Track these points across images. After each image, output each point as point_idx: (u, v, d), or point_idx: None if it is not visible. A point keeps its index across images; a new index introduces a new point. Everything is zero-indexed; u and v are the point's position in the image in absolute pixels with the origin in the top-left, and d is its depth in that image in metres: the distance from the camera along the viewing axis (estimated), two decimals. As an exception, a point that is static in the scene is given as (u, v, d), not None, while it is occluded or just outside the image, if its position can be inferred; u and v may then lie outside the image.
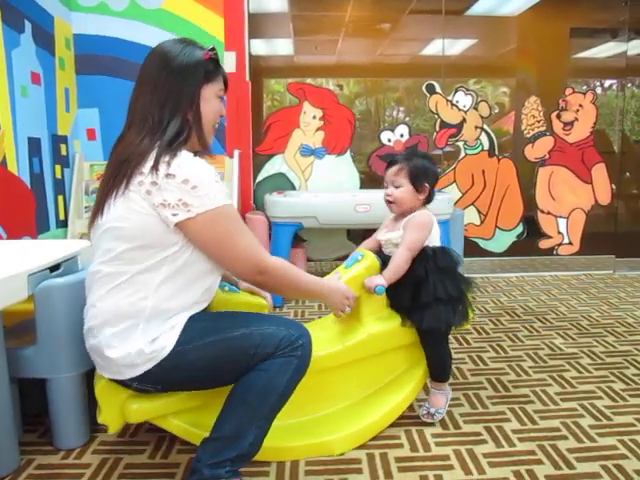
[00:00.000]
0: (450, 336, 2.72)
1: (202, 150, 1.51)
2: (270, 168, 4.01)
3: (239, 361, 1.44)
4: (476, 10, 4.03)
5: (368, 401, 1.90)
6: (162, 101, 1.39)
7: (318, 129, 3.96)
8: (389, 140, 4.01)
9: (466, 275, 1.92)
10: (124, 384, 1.48)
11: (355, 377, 1.90)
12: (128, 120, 1.45)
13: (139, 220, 1.34)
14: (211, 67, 1.45)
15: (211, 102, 1.46)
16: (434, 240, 1.87)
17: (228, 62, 3.73)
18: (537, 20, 4.07)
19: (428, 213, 1.88)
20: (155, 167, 1.32)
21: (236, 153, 3.72)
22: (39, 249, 2.01)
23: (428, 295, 1.79)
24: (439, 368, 1.95)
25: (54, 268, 1.82)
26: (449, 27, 4.00)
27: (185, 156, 1.36)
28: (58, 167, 3.47)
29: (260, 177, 4.01)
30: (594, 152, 4.13)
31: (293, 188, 4.00)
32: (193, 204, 1.32)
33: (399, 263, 1.80)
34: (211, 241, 1.38)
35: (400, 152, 1.95)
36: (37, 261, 1.75)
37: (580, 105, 4.07)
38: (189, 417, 1.63)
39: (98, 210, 1.42)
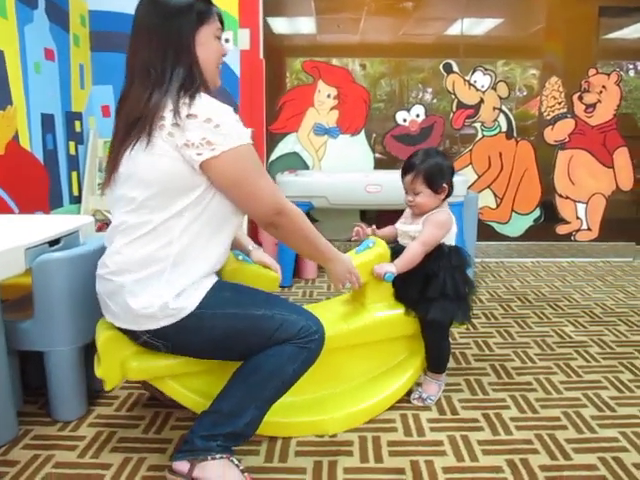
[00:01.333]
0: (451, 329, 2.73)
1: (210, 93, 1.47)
2: (284, 147, 3.98)
3: (254, 340, 1.44)
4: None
5: (366, 385, 1.89)
6: (161, 51, 1.35)
7: (332, 108, 3.91)
8: (404, 120, 3.94)
9: (471, 277, 1.95)
10: (133, 336, 1.46)
11: (355, 361, 1.89)
12: (128, 76, 1.41)
13: (163, 164, 1.32)
14: (203, 7, 1.40)
15: (209, 44, 1.41)
16: (451, 239, 1.88)
17: (242, 39, 3.70)
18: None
19: (449, 213, 1.89)
20: (176, 109, 1.30)
21: (249, 131, 3.68)
22: (40, 224, 2.03)
23: (436, 290, 1.80)
24: (437, 360, 1.96)
25: (54, 242, 1.83)
26: (470, 6, 3.89)
27: (205, 97, 1.34)
28: (72, 143, 3.48)
29: (273, 156, 3.98)
30: (617, 135, 3.99)
31: (306, 167, 3.96)
32: (217, 142, 1.30)
33: (412, 255, 1.81)
34: (233, 179, 1.36)
35: (413, 149, 1.89)
36: (36, 235, 1.76)
37: (603, 86, 3.93)
38: (187, 382, 1.63)
39: (114, 166, 1.39)
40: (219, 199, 1.40)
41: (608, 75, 3.93)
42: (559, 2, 3.95)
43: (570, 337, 2.55)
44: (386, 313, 1.88)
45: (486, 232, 4.02)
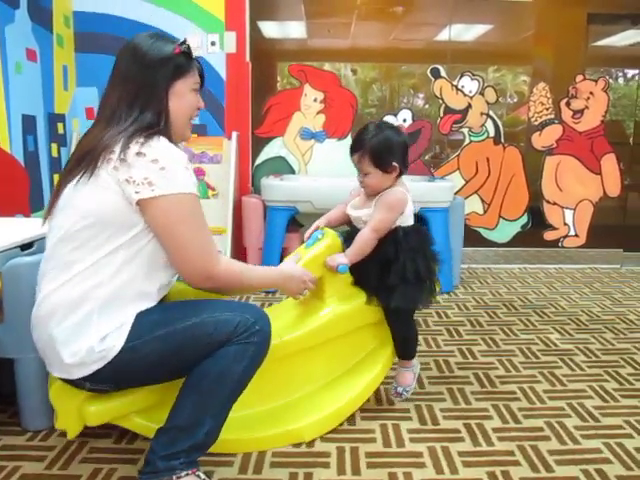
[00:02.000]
0: (442, 328, 2.70)
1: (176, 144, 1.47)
2: (269, 151, 3.93)
3: (193, 351, 1.38)
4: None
5: (336, 384, 1.83)
6: (131, 97, 1.36)
7: (319, 112, 3.87)
8: (392, 125, 3.90)
9: (435, 252, 1.85)
10: (76, 385, 1.41)
11: (321, 360, 1.83)
12: (96, 117, 1.42)
13: (102, 196, 1.29)
14: (182, 61, 1.40)
15: (185, 97, 1.42)
16: (407, 220, 1.79)
17: (228, 42, 3.66)
18: (552, 5, 3.93)
19: (402, 191, 1.78)
20: (126, 145, 1.28)
21: (234, 135, 3.65)
22: (14, 227, 1.97)
23: (396, 276, 1.73)
24: (405, 346, 1.91)
25: (27, 246, 1.78)
26: (458, 12, 3.87)
27: (162, 141, 1.33)
28: (54, 145, 3.43)
29: (259, 160, 3.94)
30: (604, 142, 3.98)
31: (292, 172, 3.92)
32: (158, 184, 1.28)
33: (363, 244, 1.74)
34: (165, 227, 1.32)
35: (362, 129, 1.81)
36: (7, 239, 1.71)
37: (591, 93, 3.92)
38: (153, 414, 1.56)
39: (57, 197, 1.37)
40: (155, 244, 1.36)
41: (595, 81, 3.92)
42: (547, 9, 3.94)
43: (555, 345, 2.52)
44: (346, 305, 1.80)
45: (473, 238, 3.99)
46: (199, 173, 3.66)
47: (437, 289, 1.87)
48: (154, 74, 1.36)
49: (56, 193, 1.38)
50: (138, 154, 1.27)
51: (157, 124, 1.35)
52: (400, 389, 1.90)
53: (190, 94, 1.44)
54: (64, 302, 1.32)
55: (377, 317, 1.86)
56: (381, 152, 1.71)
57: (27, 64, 3.09)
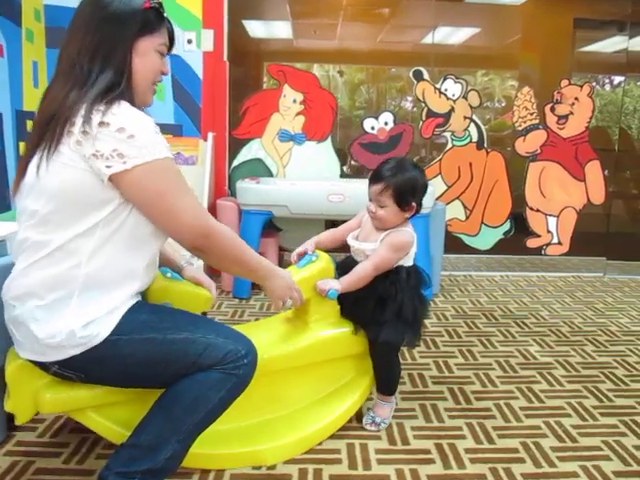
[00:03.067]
0: (420, 342, 2.60)
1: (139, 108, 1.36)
2: (247, 153, 3.82)
3: (175, 366, 1.29)
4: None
5: (309, 410, 1.75)
6: (92, 50, 1.23)
7: (298, 114, 3.77)
8: (372, 128, 3.81)
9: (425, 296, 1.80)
10: (42, 366, 1.31)
11: (298, 384, 1.75)
12: (55, 70, 1.28)
13: (69, 174, 1.19)
14: (151, 18, 1.29)
15: (148, 57, 1.30)
16: (408, 260, 1.74)
17: (205, 40, 3.55)
18: (538, 9, 3.86)
19: (411, 233, 1.73)
20: (87, 115, 1.17)
21: (210, 136, 3.54)
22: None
23: (392, 313, 1.67)
24: (387, 382, 1.84)
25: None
26: (443, 15, 3.80)
27: (123, 106, 1.21)
28: (22, 144, 3.30)
29: (236, 162, 3.82)
30: (589, 148, 3.92)
31: (270, 174, 3.81)
32: (129, 154, 1.17)
33: (361, 277, 1.68)
34: (150, 198, 1.22)
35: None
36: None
37: (576, 98, 3.85)
38: (110, 413, 1.47)
39: (22, 173, 1.26)
40: (136, 217, 1.25)
41: (581, 87, 3.86)
42: (534, 13, 3.88)
43: (535, 358, 2.43)
44: (331, 332, 1.74)
45: (455, 244, 3.91)
46: (174, 174, 3.54)
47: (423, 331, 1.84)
48: (119, 27, 1.24)
49: (21, 170, 1.27)
50: (101, 124, 1.16)
51: (118, 85, 1.24)
52: (378, 419, 1.81)
53: (154, 55, 1.31)
54: (40, 282, 1.22)
55: (360, 349, 1.79)
56: (406, 190, 1.66)
57: (-7, 59, 2.97)
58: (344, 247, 1.85)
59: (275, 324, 1.84)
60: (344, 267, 1.76)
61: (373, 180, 1.70)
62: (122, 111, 1.20)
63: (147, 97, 1.36)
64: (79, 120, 1.17)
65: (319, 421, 1.72)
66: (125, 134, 1.17)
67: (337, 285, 1.65)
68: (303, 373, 1.74)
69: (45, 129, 1.21)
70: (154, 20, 1.30)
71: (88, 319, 1.22)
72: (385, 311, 1.67)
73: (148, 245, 1.32)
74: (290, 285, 1.53)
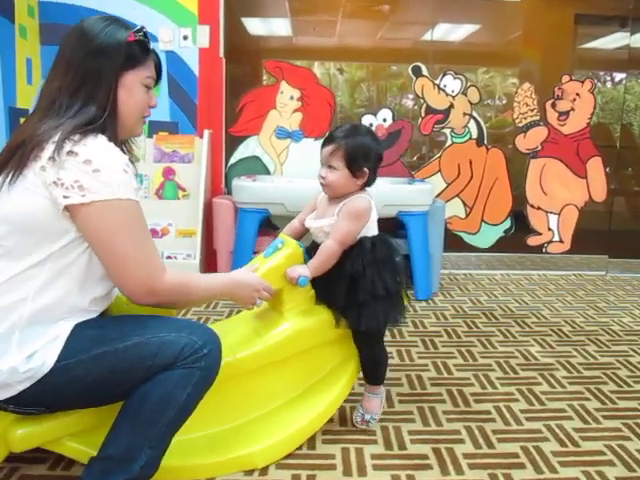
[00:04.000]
0: (418, 339, 2.56)
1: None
2: (244, 150, 3.77)
3: (133, 374, 1.23)
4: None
5: (294, 404, 1.68)
6: (74, 87, 1.21)
7: (295, 110, 3.71)
8: (371, 124, 3.76)
9: (400, 262, 1.70)
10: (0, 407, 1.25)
11: (279, 378, 1.68)
12: (34, 106, 1.27)
13: (27, 199, 1.14)
14: (136, 51, 1.26)
15: (134, 91, 1.28)
16: (371, 229, 1.65)
17: (201, 37, 3.50)
18: (539, 5, 3.80)
19: (367, 198, 1.64)
20: (60, 143, 1.13)
21: (207, 133, 3.49)
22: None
23: (365, 292, 1.59)
24: (374, 369, 1.77)
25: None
26: (444, 12, 3.74)
27: (100, 140, 1.18)
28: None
29: (233, 160, 3.77)
30: (590, 145, 3.86)
31: (267, 172, 3.76)
32: (90, 189, 1.12)
33: (327, 256, 1.60)
34: (101, 238, 1.17)
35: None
36: None
37: (577, 94, 3.80)
38: (88, 438, 1.39)
39: None
40: (91, 255, 1.21)
41: (582, 82, 3.80)
42: (534, 8, 3.82)
43: (536, 359, 2.38)
44: (308, 320, 1.66)
45: (455, 242, 3.85)
46: (169, 173, 3.49)
47: (406, 302, 1.74)
48: (102, 62, 1.21)
49: None
50: (69, 153, 1.12)
51: (100, 118, 1.20)
52: (367, 416, 1.76)
53: (140, 89, 1.29)
54: None
55: (339, 333, 1.71)
56: (357, 153, 1.59)
57: (-15, 56, 2.92)
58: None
59: (249, 319, 1.75)
60: (313, 250, 1.66)
61: (325, 142, 1.64)
62: (94, 144, 1.16)
63: (135, 129, 1.35)
64: (50, 146, 1.14)
65: (308, 414, 1.65)
66: (91, 167, 1.13)
67: (305, 271, 1.57)
68: (285, 366, 1.67)
69: (13, 153, 1.18)
70: (139, 53, 1.27)
71: (30, 351, 1.16)
72: (358, 290, 1.60)
73: (100, 285, 1.27)
74: (255, 287, 1.47)
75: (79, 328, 1.23)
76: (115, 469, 1.22)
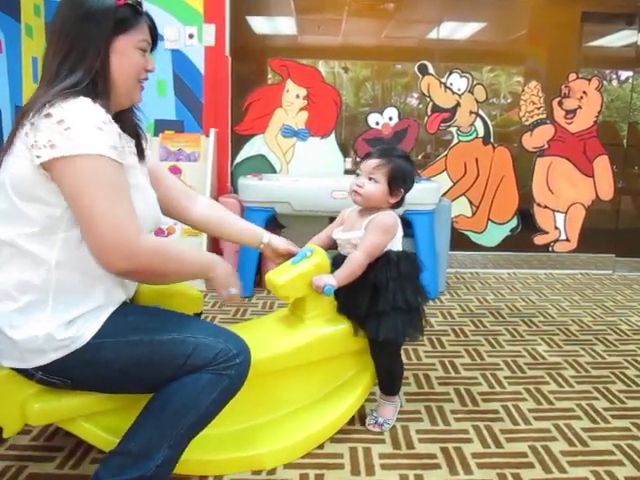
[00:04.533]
0: (425, 338, 2.55)
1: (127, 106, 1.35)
2: (250, 149, 3.77)
3: (164, 369, 1.24)
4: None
5: (309, 410, 1.69)
6: (63, 53, 1.21)
7: (301, 109, 3.71)
8: (377, 123, 3.75)
9: (424, 285, 1.74)
10: (27, 374, 1.26)
11: (296, 384, 1.70)
12: (39, 79, 1.27)
13: (16, 165, 1.16)
14: (127, 15, 1.25)
15: (127, 55, 1.26)
16: (396, 244, 1.69)
17: (207, 35, 3.50)
18: (546, 2, 3.79)
19: (394, 215, 1.69)
20: (39, 108, 1.13)
21: (212, 132, 3.49)
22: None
23: (386, 303, 1.62)
24: (390, 381, 1.79)
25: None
26: (449, 9, 3.73)
27: (80, 101, 1.16)
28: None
29: (239, 158, 3.77)
30: (597, 143, 3.84)
31: (274, 171, 3.76)
32: (60, 145, 1.11)
33: (354, 266, 1.62)
34: (71, 196, 1.14)
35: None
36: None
37: (584, 92, 3.78)
38: (103, 421, 1.41)
39: None
40: None
41: (589, 80, 3.78)
42: (541, 6, 3.81)
43: (543, 358, 2.37)
44: (328, 329, 1.68)
45: (461, 241, 3.85)
46: (175, 171, 3.49)
47: (425, 323, 1.76)
48: (91, 27, 1.20)
49: None
50: (47, 115, 1.12)
51: (91, 85, 1.20)
52: (381, 420, 1.76)
53: (134, 52, 1.27)
54: (11, 283, 1.18)
55: (359, 345, 1.73)
56: (400, 174, 1.66)
57: (-9, 55, 2.93)
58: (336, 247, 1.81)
59: (270, 322, 1.78)
60: (339, 262, 1.69)
61: (371, 155, 1.68)
62: (72, 105, 1.15)
63: (133, 95, 1.33)
64: (33, 112, 1.14)
65: (319, 421, 1.67)
66: (63, 126, 1.11)
67: (332, 280, 1.59)
68: (301, 372, 1.68)
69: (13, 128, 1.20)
70: (130, 17, 1.26)
71: (69, 318, 1.18)
72: (380, 300, 1.62)
73: None
74: (232, 273, 1.44)
75: (122, 310, 1.25)
76: (131, 465, 1.23)
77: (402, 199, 1.71)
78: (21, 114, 1.18)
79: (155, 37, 1.34)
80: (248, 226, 1.71)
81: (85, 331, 1.19)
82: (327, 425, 1.68)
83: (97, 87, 1.21)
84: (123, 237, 1.15)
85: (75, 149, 1.11)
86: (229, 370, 1.27)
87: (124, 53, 1.26)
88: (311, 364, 1.68)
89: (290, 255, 1.66)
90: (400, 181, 1.66)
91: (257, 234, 1.69)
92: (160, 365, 1.24)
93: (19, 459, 1.58)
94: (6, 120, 3.08)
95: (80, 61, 1.20)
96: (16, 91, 3.19)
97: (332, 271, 1.65)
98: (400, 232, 1.70)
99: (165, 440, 1.24)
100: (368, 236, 1.64)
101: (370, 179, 1.65)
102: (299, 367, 1.66)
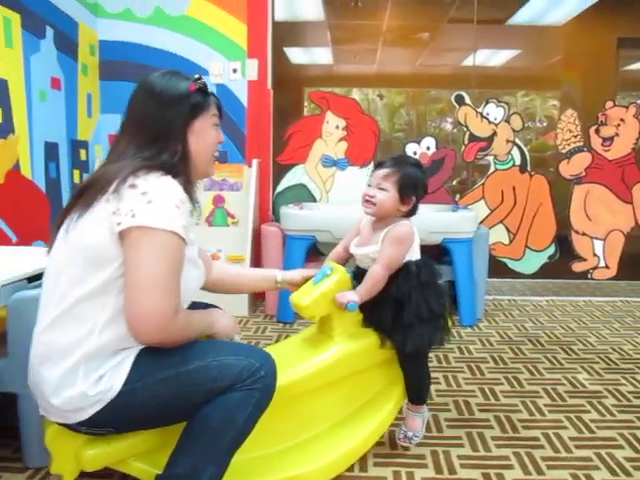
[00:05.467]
0: (464, 365, 2.59)
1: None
2: (291, 178, 3.91)
3: (195, 397, 1.31)
4: (516, 20, 3.85)
5: (343, 425, 1.74)
6: (145, 139, 1.30)
7: (341, 139, 3.83)
8: (415, 153, 3.84)
9: (442, 284, 1.77)
10: (73, 429, 1.34)
11: (329, 400, 1.74)
12: (105, 159, 1.37)
13: (92, 229, 1.23)
14: (199, 98, 1.37)
15: (205, 134, 1.38)
16: (415, 254, 1.73)
17: (250, 70, 3.66)
18: (581, 29, 3.85)
19: (409, 224, 1.73)
20: (124, 178, 1.22)
21: (255, 162, 3.63)
22: (22, 257, 1.96)
23: (411, 315, 1.65)
24: (418, 390, 1.82)
25: (35, 278, 1.75)
26: (484, 37, 3.82)
27: (163, 178, 1.25)
28: (77, 172, 3.46)
29: (280, 188, 3.91)
30: (636, 170, 3.85)
31: (314, 200, 3.88)
32: (140, 215, 1.19)
33: (375, 281, 1.66)
34: (133, 261, 1.20)
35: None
36: (14, 271, 1.69)
37: (621, 119, 3.80)
38: (154, 458, 1.47)
39: (57, 231, 1.32)
40: None
41: (626, 108, 3.81)
42: (576, 33, 3.87)
43: (583, 386, 2.38)
44: (357, 343, 1.72)
45: (499, 269, 3.88)
46: (219, 200, 3.64)
47: (451, 324, 1.80)
48: (171, 114, 1.31)
49: (57, 227, 1.33)
50: (131, 186, 1.21)
51: (174, 165, 1.30)
52: (410, 434, 1.81)
53: (211, 130, 1.40)
54: (50, 348, 1.26)
55: (388, 356, 1.78)
56: (410, 181, 1.69)
57: (51, 92, 3.14)
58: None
59: (300, 342, 1.82)
60: (359, 275, 1.73)
61: (381, 165, 1.73)
62: (155, 179, 1.23)
63: (209, 169, 1.45)
64: (117, 181, 1.22)
65: (355, 437, 1.70)
66: (146, 198, 1.19)
67: (355, 297, 1.64)
68: (334, 388, 1.73)
69: (82, 193, 1.28)
70: (202, 100, 1.37)
71: (98, 375, 1.25)
72: (404, 313, 1.66)
73: None
74: (231, 323, 1.51)
75: (143, 353, 1.30)
76: None
77: (415, 207, 1.73)
78: (92, 182, 1.26)
79: (220, 111, 1.45)
80: (258, 272, 1.81)
81: (114, 382, 1.25)
82: (366, 437, 1.72)
83: (177, 167, 1.31)
84: (162, 311, 1.21)
85: (153, 222, 1.19)
86: (257, 384, 1.31)
87: (201, 133, 1.37)
88: (343, 379, 1.72)
89: (306, 280, 1.72)
90: (411, 189, 1.69)
91: (269, 277, 1.77)
92: (191, 394, 1.30)
93: (81, 475, 1.66)
94: (62, 152, 3.27)
95: (167, 145, 1.30)
96: (72, 125, 3.39)
97: (354, 285, 1.69)
98: (417, 240, 1.73)
99: (208, 459, 1.30)
100: (385, 249, 1.67)
101: (380, 189, 1.69)
102: (332, 383, 1.70)
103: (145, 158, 1.28)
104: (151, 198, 1.20)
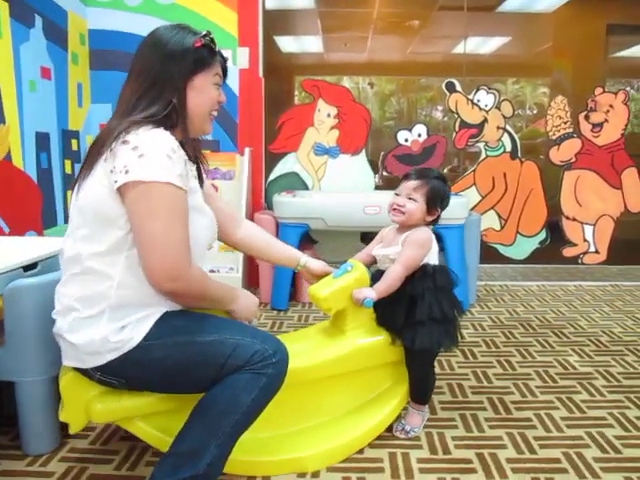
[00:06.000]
0: (457, 349, 2.62)
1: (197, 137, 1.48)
2: (283, 167, 3.91)
3: (206, 369, 1.35)
4: (506, 7, 3.86)
5: (348, 417, 1.79)
6: (143, 89, 1.33)
7: (332, 127, 3.84)
8: (406, 140, 3.86)
9: (459, 299, 1.84)
10: (88, 375, 1.40)
11: (336, 392, 1.80)
12: (113, 112, 1.39)
13: (94, 189, 1.28)
14: (204, 54, 1.37)
15: (205, 91, 1.39)
16: (433, 258, 1.79)
17: (241, 58, 3.65)
18: (571, 17, 3.87)
19: (428, 231, 1.81)
20: (117, 136, 1.25)
21: (247, 151, 3.63)
22: (17, 246, 1.96)
23: (423, 314, 1.71)
24: (421, 390, 1.87)
25: (30, 267, 1.76)
26: (474, 25, 3.83)
27: (155, 130, 1.28)
28: (68, 162, 3.44)
29: (272, 176, 3.91)
30: (625, 155, 3.89)
31: (306, 188, 3.89)
32: (133, 170, 1.22)
33: (393, 279, 1.73)
34: (135, 218, 1.25)
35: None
36: (11, 259, 1.70)
37: (610, 106, 3.83)
38: (158, 421, 1.54)
39: (73, 193, 1.37)
40: None
41: (615, 94, 3.83)
42: (566, 20, 3.88)
43: (574, 368, 2.42)
44: (368, 340, 1.79)
45: (490, 254, 3.92)
46: (212, 189, 3.63)
47: (460, 336, 1.84)
48: (172, 66, 1.33)
49: (72, 187, 1.38)
50: (123, 142, 1.24)
51: (167, 117, 1.32)
52: (408, 427, 1.85)
53: (211, 88, 1.40)
54: (77, 297, 1.32)
55: (396, 356, 1.83)
56: (438, 194, 1.78)
57: (41, 82, 3.11)
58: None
59: (312, 333, 1.89)
60: (378, 277, 1.80)
61: (411, 176, 1.80)
62: (146, 132, 1.26)
63: (205, 126, 1.45)
64: (111, 140, 1.25)
65: (358, 428, 1.75)
66: (137, 152, 1.22)
67: (372, 293, 1.70)
68: (342, 381, 1.78)
69: (88, 153, 1.32)
70: (207, 56, 1.38)
71: (121, 325, 1.31)
72: (416, 310, 1.71)
73: None
74: (257, 302, 1.57)
75: (167, 316, 1.36)
76: (184, 464, 1.32)
77: (438, 217, 1.82)
78: (95, 142, 1.31)
79: (225, 71, 1.47)
80: (286, 248, 1.83)
81: (135, 334, 1.31)
82: (365, 432, 1.76)
83: (171, 119, 1.33)
84: (175, 261, 1.26)
85: (146, 176, 1.22)
86: (266, 369, 1.35)
87: (201, 89, 1.38)
88: (351, 374, 1.78)
89: (326, 275, 1.77)
90: (438, 201, 1.78)
91: (295, 256, 1.81)
92: (202, 365, 1.34)
93: (80, 461, 1.70)
94: (54, 142, 3.25)
95: (158, 96, 1.32)
96: (63, 116, 3.37)
97: (371, 285, 1.75)
98: (435, 246, 1.80)
99: (212, 439, 1.33)
100: (405, 251, 1.74)
101: (410, 199, 1.76)
102: (340, 376, 1.76)
103: (140, 111, 1.30)
104: (142, 152, 1.23)
